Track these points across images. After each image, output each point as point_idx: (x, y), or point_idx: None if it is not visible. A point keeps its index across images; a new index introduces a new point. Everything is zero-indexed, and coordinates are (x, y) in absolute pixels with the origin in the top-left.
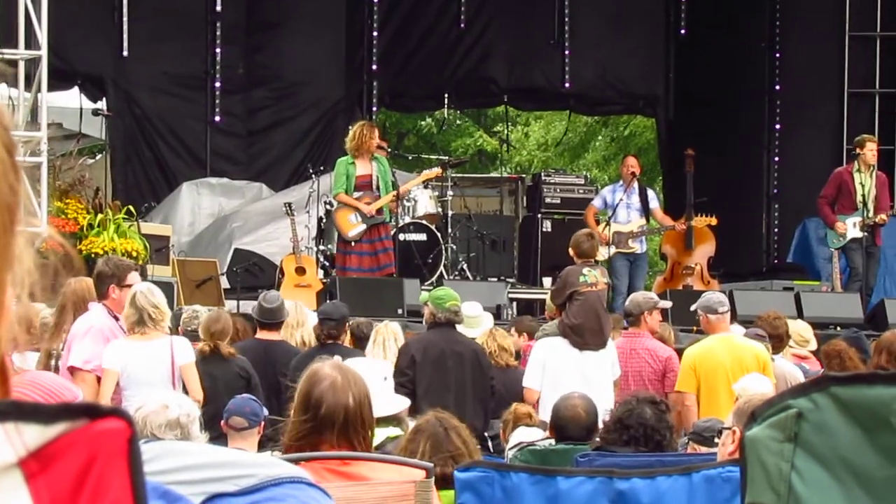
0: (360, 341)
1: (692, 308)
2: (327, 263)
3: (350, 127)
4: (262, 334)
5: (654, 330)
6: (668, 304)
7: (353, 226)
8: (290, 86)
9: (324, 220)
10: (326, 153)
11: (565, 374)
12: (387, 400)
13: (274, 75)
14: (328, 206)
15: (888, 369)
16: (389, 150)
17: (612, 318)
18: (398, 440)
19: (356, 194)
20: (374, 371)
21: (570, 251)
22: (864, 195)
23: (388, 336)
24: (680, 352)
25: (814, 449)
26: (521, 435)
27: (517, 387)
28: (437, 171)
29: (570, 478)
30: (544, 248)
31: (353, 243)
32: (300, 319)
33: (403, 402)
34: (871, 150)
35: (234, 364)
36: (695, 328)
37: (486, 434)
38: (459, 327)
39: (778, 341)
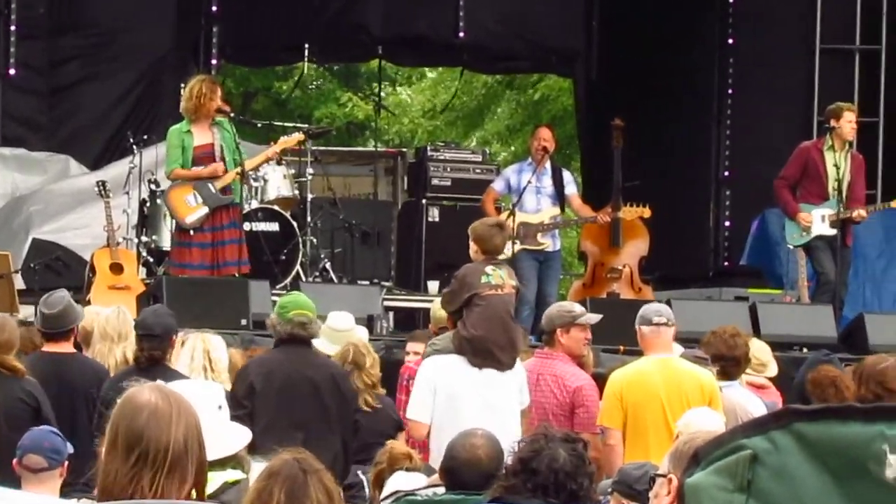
0: None
1: None
2: (151, 259)
3: (183, 85)
4: (49, 346)
5: (575, 352)
6: (595, 317)
7: (191, 209)
8: (106, 32)
9: (148, 204)
10: (151, 119)
11: (462, 401)
12: (224, 435)
13: (85, 18)
14: (153, 186)
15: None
16: (233, 115)
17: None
18: (240, 485)
19: (195, 170)
20: (204, 397)
21: (472, 245)
22: (837, 180)
23: (197, 348)
24: (602, 378)
25: (771, 500)
26: (399, 482)
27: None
28: (297, 136)
29: None
30: (430, 243)
31: (192, 232)
32: (123, 331)
33: (245, 437)
34: (848, 122)
35: (18, 387)
36: (622, 348)
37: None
38: (323, 345)
39: (734, 365)
